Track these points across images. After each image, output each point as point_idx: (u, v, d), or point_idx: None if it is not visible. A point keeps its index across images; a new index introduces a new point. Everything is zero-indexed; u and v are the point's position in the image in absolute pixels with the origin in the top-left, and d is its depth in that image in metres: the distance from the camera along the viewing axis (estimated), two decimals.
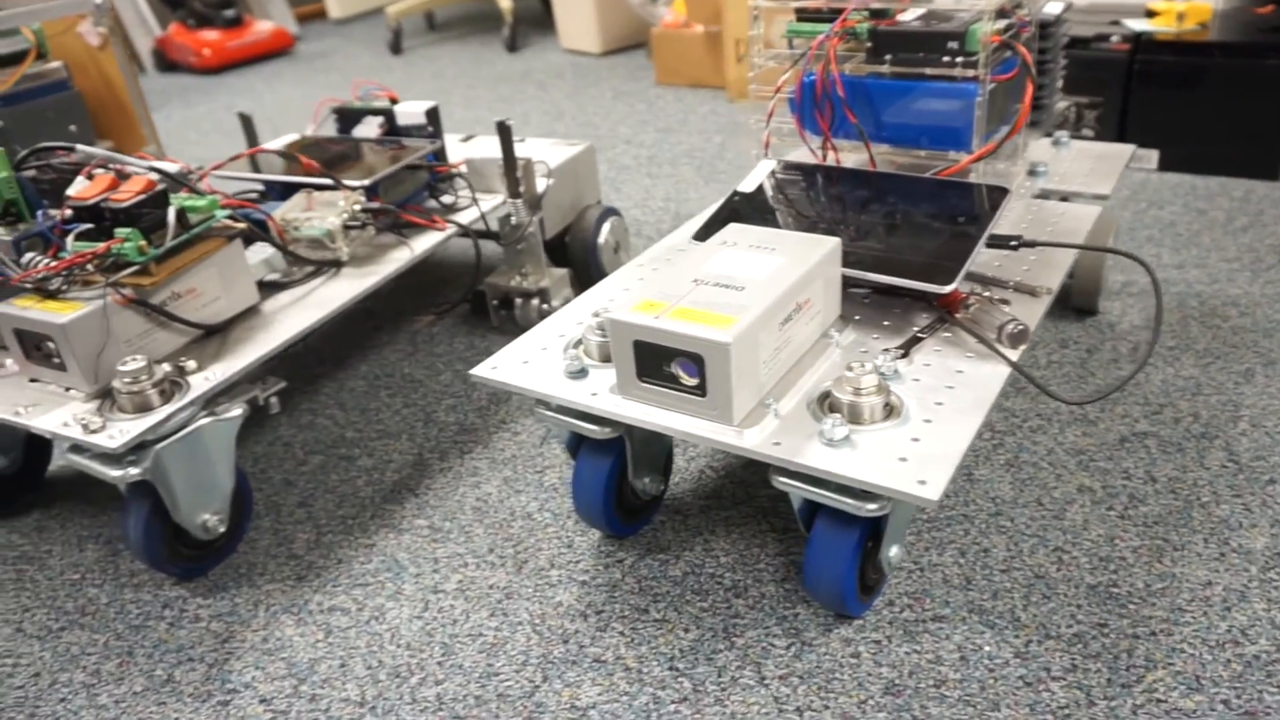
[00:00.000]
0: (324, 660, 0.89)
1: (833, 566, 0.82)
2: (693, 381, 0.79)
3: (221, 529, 0.98)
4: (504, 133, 1.28)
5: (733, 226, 0.94)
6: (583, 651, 0.87)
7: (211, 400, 0.95)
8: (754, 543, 0.98)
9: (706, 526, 1.01)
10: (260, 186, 1.31)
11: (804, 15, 1.08)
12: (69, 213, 0.98)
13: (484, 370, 0.92)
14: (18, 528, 1.11)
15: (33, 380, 0.97)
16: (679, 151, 2.12)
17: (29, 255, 0.94)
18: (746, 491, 1.05)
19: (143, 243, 0.94)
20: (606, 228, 1.47)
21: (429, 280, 1.61)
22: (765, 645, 0.86)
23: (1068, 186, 1.18)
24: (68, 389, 0.95)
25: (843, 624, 0.88)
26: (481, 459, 1.15)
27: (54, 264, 0.93)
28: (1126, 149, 1.27)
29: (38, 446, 1.17)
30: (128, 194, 0.96)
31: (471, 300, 1.45)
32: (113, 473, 0.89)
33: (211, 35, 3.35)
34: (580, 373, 0.89)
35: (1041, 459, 1.05)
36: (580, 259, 1.46)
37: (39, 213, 0.97)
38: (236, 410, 0.96)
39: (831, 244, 0.88)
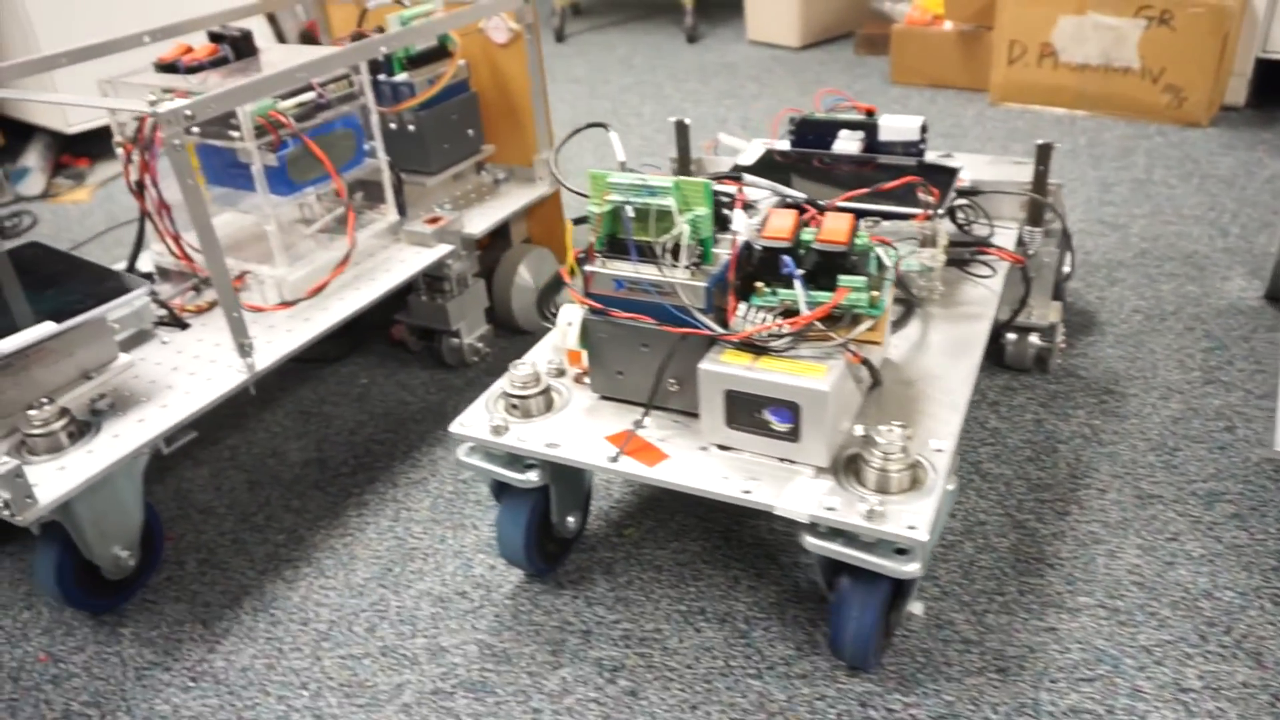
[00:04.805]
0: None
1: None
2: None
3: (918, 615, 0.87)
4: (1044, 154, 1.17)
5: None
6: None
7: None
8: None
9: None
10: None
11: None
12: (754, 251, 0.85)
13: None
14: (588, 594, 0.98)
15: (722, 447, 0.85)
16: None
17: (746, 308, 0.82)
18: None
19: (875, 293, 0.82)
20: (1069, 259, 1.36)
21: None
22: None
23: None
24: (781, 459, 0.82)
25: None
26: (1089, 521, 1.04)
27: (791, 320, 0.80)
28: None
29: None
30: (836, 234, 0.84)
31: None
32: (890, 565, 0.77)
33: None
34: None
35: None
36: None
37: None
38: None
39: None
